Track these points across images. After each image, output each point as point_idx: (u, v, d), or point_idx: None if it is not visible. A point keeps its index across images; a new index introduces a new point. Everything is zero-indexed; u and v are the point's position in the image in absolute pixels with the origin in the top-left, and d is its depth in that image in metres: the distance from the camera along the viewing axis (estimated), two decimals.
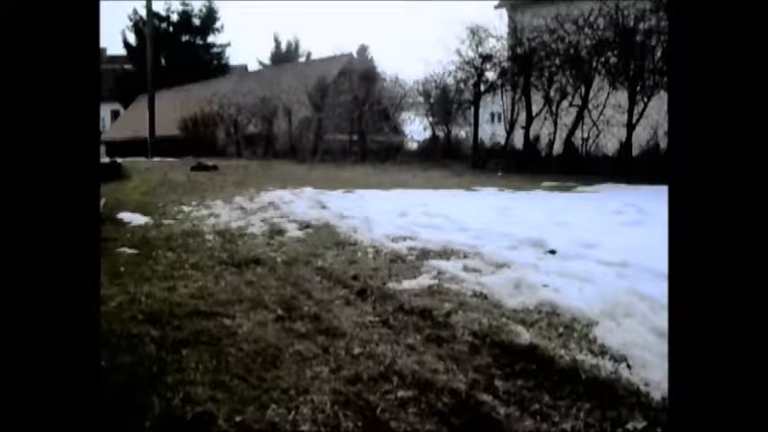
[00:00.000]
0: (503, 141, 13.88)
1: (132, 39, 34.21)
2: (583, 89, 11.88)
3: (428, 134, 17.03)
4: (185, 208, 6.78)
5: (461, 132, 17.28)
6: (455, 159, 14.40)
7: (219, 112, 20.25)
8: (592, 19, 11.73)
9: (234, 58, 38.14)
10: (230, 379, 2.04)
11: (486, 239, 4.31)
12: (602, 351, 2.30)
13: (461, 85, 14.67)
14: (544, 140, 12.68)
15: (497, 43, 13.88)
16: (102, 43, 31.19)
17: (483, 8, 44.51)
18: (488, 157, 13.76)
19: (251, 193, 7.97)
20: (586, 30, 11.87)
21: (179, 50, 33.08)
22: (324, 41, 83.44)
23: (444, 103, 15.40)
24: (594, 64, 11.80)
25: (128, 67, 34.04)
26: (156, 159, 17.35)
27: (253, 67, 38.33)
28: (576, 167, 11.22)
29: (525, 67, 12.76)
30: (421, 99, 16.56)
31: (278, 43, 41.10)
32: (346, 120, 17.48)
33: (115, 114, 35.85)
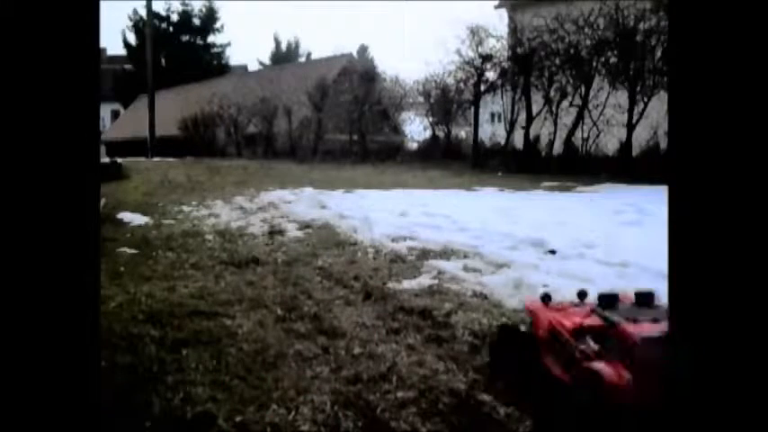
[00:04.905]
0: (503, 141, 13.87)
1: (132, 39, 34.19)
2: (583, 89, 11.88)
3: (428, 134, 17.04)
4: (185, 208, 6.78)
5: (461, 132, 17.28)
6: (455, 159, 14.38)
7: (219, 112, 20.22)
8: (592, 19, 11.72)
9: (234, 58, 38.09)
10: (230, 379, 2.04)
11: (486, 239, 4.31)
12: None
13: (461, 85, 14.67)
14: (544, 140, 12.67)
15: (497, 43, 13.89)
16: (102, 43, 31.15)
17: (483, 8, 44.51)
18: (488, 157, 13.75)
19: (251, 193, 7.97)
20: (586, 30, 11.86)
21: (179, 50, 33.05)
22: (324, 41, 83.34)
23: (444, 103, 15.39)
24: (594, 64, 11.79)
25: (128, 67, 34.01)
26: (157, 159, 17.33)
27: (253, 67, 38.27)
28: (576, 167, 11.21)
29: (525, 67, 12.76)
30: (421, 99, 16.56)
31: (278, 43, 41.05)
32: (346, 120, 17.47)
33: (115, 114, 35.83)
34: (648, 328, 1.55)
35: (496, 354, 2.13)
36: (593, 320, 1.77)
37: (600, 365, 1.55)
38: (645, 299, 1.77)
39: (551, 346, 1.85)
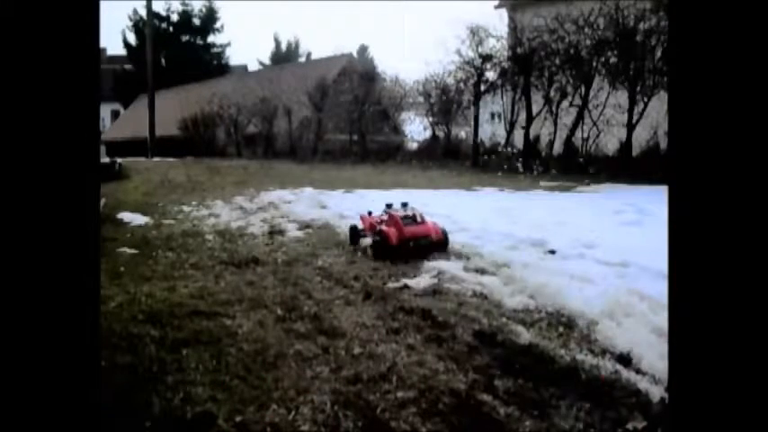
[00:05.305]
0: (503, 141, 13.87)
1: (132, 39, 34.21)
2: (583, 89, 11.87)
3: (428, 134, 17.02)
4: (185, 208, 6.78)
5: (461, 132, 17.27)
6: (455, 159, 14.38)
7: (219, 112, 20.21)
8: (592, 19, 11.72)
9: (234, 58, 38.18)
10: (230, 379, 2.04)
11: (486, 239, 4.31)
12: (602, 351, 2.30)
13: (461, 85, 14.66)
14: (544, 140, 12.67)
15: (497, 43, 13.88)
16: (102, 43, 31.19)
17: (483, 8, 44.52)
18: (488, 157, 13.75)
19: (251, 193, 7.97)
20: (586, 30, 11.86)
21: (179, 50, 33.06)
22: (324, 41, 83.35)
23: (444, 103, 15.39)
24: (594, 64, 11.79)
25: (128, 67, 34.02)
26: (157, 159, 17.35)
27: (253, 67, 38.30)
28: (576, 167, 11.22)
29: (525, 67, 12.75)
30: (421, 99, 16.55)
31: (278, 43, 41.06)
32: (346, 120, 17.46)
33: (115, 114, 35.83)
34: (401, 213, 4.05)
35: (350, 234, 4.37)
36: (386, 217, 4.14)
37: (383, 227, 3.99)
38: (404, 205, 4.23)
39: (370, 229, 4.21)
